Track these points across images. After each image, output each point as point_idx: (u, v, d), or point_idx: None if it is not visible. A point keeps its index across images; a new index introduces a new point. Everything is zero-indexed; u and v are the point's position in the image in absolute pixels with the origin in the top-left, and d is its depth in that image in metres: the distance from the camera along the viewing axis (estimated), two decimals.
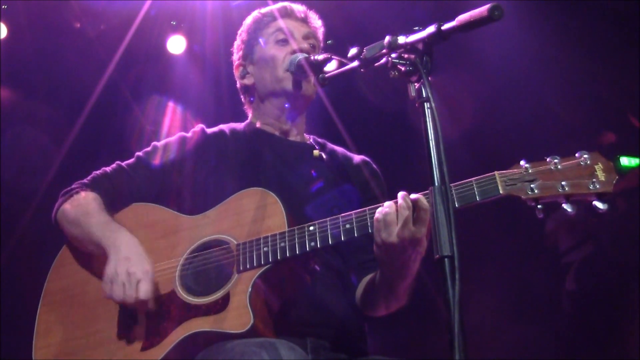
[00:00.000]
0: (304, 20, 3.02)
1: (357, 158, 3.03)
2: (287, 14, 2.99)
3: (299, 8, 3.04)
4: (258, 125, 2.99)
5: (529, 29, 5.29)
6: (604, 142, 5.97)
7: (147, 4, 5.38)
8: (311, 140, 3.02)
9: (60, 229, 2.80)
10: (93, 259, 2.72)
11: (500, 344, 5.73)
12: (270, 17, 3.01)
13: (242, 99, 3.13)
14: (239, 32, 3.12)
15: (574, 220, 5.83)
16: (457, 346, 1.73)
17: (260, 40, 2.97)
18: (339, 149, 3.06)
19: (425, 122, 1.97)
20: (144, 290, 2.48)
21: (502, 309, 5.88)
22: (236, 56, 3.10)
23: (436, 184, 1.90)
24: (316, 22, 3.07)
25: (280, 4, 3.04)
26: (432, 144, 1.94)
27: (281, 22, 2.96)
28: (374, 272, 2.61)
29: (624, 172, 5.59)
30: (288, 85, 2.87)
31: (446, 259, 1.82)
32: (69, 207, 2.76)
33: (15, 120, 5.58)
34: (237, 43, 3.11)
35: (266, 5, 3.08)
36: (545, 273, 6.07)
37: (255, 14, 3.08)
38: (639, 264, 5.32)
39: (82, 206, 2.73)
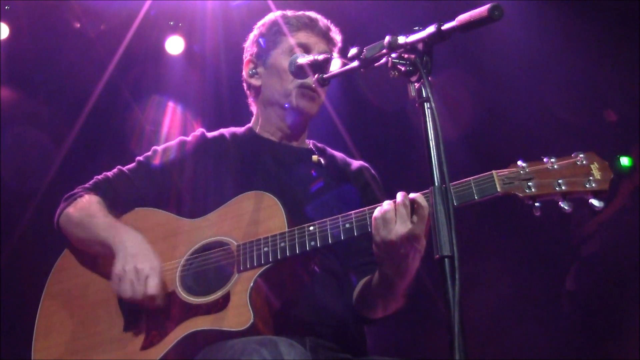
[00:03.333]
0: (325, 36, 2.93)
1: (356, 163, 3.02)
2: (310, 26, 2.91)
3: (323, 21, 2.96)
4: (258, 131, 2.98)
5: (528, 29, 5.30)
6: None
7: (147, 4, 5.39)
8: (311, 146, 3.02)
9: (64, 233, 2.80)
10: (95, 263, 2.73)
11: (500, 344, 5.74)
12: (294, 27, 2.91)
13: (247, 93, 3.06)
14: (259, 24, 3.03)
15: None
16: (457, 346, 1.73)
17: (279, 47, 2.91)
18: (338, 154, 3.05)
19: (425, 122, 1.97)
20: (153, 285, 2.49)
21: (502, 309, 5.88)
22: (249, 50, 3.02)
23: (436, 184, 1.91)
24: (337, 36, 2.99)
25: (306, 14, 2.95)
26: (432, 144, 1.94)
27: (302, 35, 2.88)
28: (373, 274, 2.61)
29: (624, 172, 5.60)
30: (293, 101, 2.84)
31: (446, 259, 1.82)
32: (72, 210, 2.76)
33: (15, 120, 5.58)
34: (254, 36, 3.02)
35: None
36: (545, 273, 6.08)
37: (278, 14, 2.97)
38: (639, 264, 5.32)
39: (85, 209, 2.74)
